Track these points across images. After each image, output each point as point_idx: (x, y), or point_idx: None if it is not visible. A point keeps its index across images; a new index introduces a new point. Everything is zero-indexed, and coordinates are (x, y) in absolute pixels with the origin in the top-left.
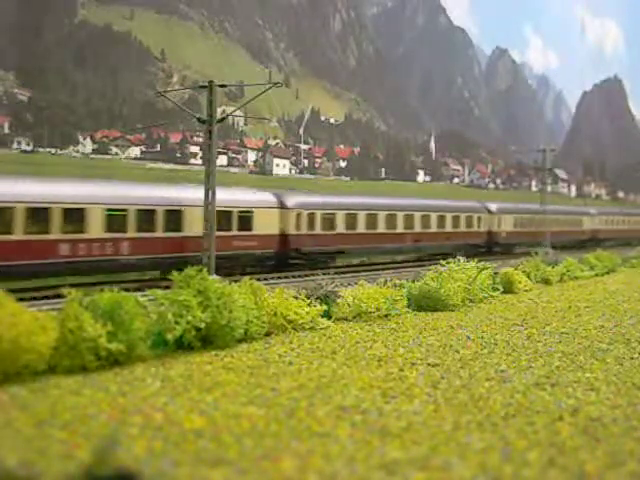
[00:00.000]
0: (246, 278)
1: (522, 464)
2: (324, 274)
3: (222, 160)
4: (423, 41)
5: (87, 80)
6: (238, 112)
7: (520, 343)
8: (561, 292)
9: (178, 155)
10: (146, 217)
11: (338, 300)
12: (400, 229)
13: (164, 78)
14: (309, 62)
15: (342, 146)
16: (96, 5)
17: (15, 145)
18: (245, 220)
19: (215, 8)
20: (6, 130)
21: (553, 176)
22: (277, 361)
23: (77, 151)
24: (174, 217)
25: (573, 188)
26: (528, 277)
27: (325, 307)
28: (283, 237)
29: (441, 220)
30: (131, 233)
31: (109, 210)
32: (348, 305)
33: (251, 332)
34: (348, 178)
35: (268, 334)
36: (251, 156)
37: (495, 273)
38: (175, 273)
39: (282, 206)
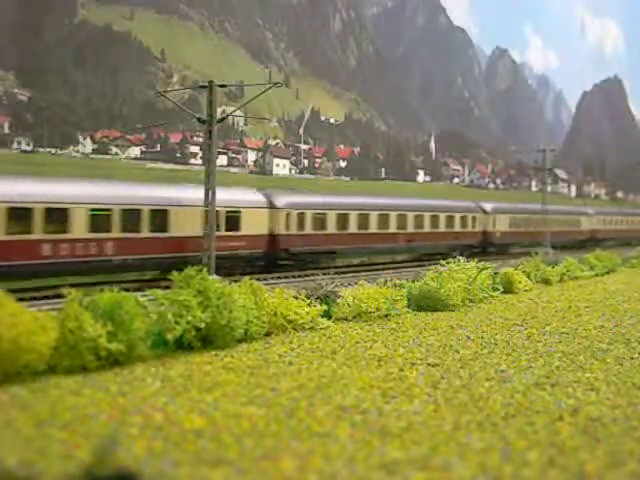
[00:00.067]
0: (246, 278)
1: (522, 464)
2: (324, 274)
3: (222, 160)
4: (423, 41)
5: (87, 80)
6: (238, 112)
7: (520, 343)
8: (561, 292)
9: (178, 155)
10: (131, 217)
11: (338, 300)
12: (393, 229)
13: (164, 78)
14: (309, 62)
15: (342, 146)
16: (96, 5)
17: (15, 145)
18: (233, 220)
19: (215, 8)
20: (6, 130)
21: (553, 176)
22: (277, 361)
23: (77, 151)
24: (160, 217)
25: (573, 188)
26: (528, 277)
27: (325, 307)
28: (272, 237)
29: (434, 220)
30: (116, 233)
31: (93, 210)
32: (348, 305)
33: (251, 332)
34: (348, 178)
35: (268, 334)
36: (251, 156)
37: (495, 273)
38: (175, 273)
39: (271, 206)
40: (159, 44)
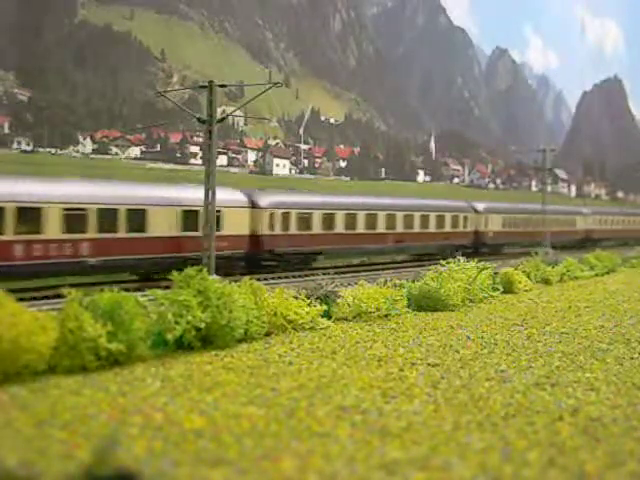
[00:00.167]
0: (246, 278)
1: (522, 464)
2: (324, 274)
3: (222, 160)
4: (423, 41)
5: (87, 80)
6: (238, 112)
7: (520, 343)
8: (561, 292)
9: (178, 155)
10: (108, 217)
11: (338, 300)
12: (381, 229)
13: (164, 78)
14: (309, 62)
15: (342, 146)
16: (96, 5)
17: (15, 145)
18: None
19: (215, 8)
20: (6, 130)
21: (553, 176)
22: (277, 361)
23: (77, 151)
24: (138, 217)
25: (573, 188)
26: (528, 277)
27: (325, 307)
28: (255, 238)
29: (424, 220)
30: (91, 234)
31: (67, 210)
32: (348, 305)
33: (251, 332)
34: (348, 178)
35: (268, 334)
36: (251, 156)
37: (495, 273)
38: (175, 273)
39: (254, 205)
40: (159, 44)
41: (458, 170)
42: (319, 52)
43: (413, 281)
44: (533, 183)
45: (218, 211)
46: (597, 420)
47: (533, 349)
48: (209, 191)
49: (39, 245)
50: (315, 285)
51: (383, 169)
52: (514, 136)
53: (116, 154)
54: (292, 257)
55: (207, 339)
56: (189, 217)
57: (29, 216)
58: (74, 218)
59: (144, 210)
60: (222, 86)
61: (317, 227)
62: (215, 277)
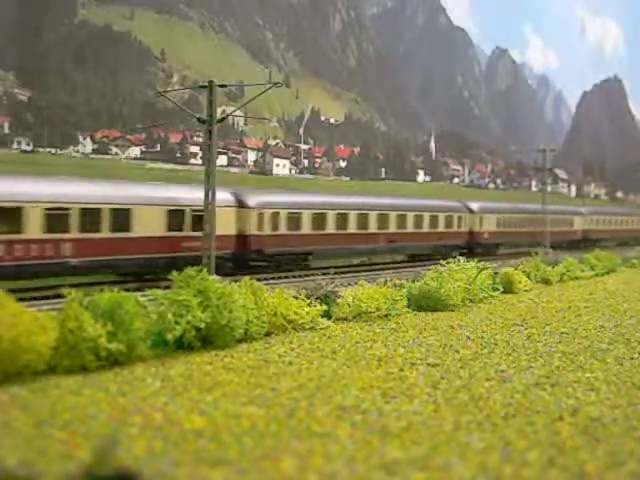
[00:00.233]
0: (246, 278)
1: (522, 464)
2: (324, 274)
3: (222, 160)
4: (423, 41)
5: (87, 80)
6: (238, 112)
7: (520, 343)
8: (561, 292)
9: (178, 155)
10: (91, 216)
11: (338, 300)
12: (373, 229)
13: (164, 78)
14: (309, 62)
15: (342, 146)
16: (96, 5)
17: (15, 145)
18: (199, 220)
19: (215, 8)
20: (6, 130)
21: (553, 176)
22: (277, 361)
23: (77, 151)
24: (122, 217)
25: (573, 188)
26: (528, 277)
27: (325, 307)
28: (242, 238)
29: (418, 220)
30: (74, 234)
31: (49, 209)
32: (348, 305)
33: (251, 332)
34: (348, 178)
35: (268, 334)
36: (251, 156)
37: (495, 273)
38: (175, 273)
39: (241, 205)
40: (159, 44)
41: (458, 170)
42: (319, 52)
43: (413, 281)
44: (533, 183)
45: (203, 211)
46: (597, 420)
47: (533, 349)
48: (209, 191)
49: (20, 245)
50: (315, 285)
51: (383, 169)
52: (514, 136)
53: (116, 154)
54: (281, 258)
55: (207, 339)
56: (175, 217)
57: (10, 216)
58: (56, 218)
59: (129, 210)
60: (222, 86)
61: (307, 227)
62: (215, 277)
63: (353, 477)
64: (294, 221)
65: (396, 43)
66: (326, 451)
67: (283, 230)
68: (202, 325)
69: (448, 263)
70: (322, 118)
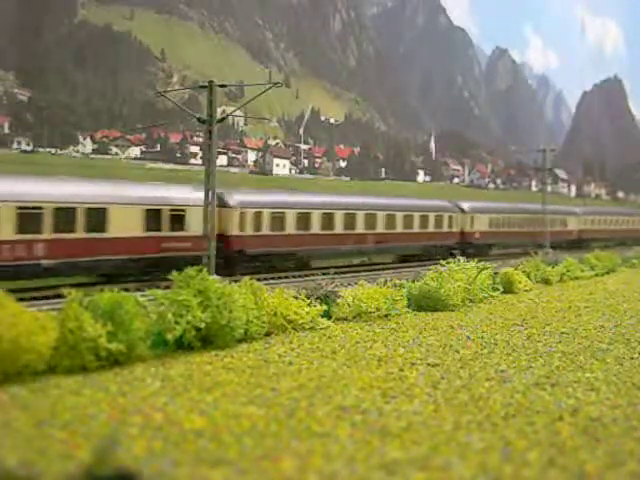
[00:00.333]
0: (246, 278)
1: (522, 464)
2: (324, 274)
3: (222, 160)
4: (423, 41)
5: (87, 80)
6: (238, 112)
7: (520, 343)
8: (561, 292)
9: (178, 155)
10: (65, 216)
11: (338, 300)
12: (360, 229)
13: (164, 78)
14: (309, 62)
15: (342, 146)
16: (96, 5)
17: (15, 145)
18: (176, 220)
19: (215, 8)
20: (6, 130)
21: (553, 176)
22: (277, 361)
23: (77, 151)
24: (98, 216)
25: (573, 188)
26: (528, 277)
27: (325, 307)
28: (223, 238)
29: (407, 220)
30: (47, 234)
31: (21, 209)
32: (348, 305)
33: (251, 332)
34: (348, 178)
35: (268, 334)
36: (251, 156)
37: (495, 273)
38: (175, 273)
39: (222, 204)
40: (159, 44)
41: (458, 170)
42: (319, 52)
43: (413, 281)
44: (533, 183)
45: (182, 210)
46: (597, 420)
47: (533, 349)
48: (209, 191)
49: None
50: (315, 285)
51: (383, 169)
52: (514, 136)
53: (116, 154)
54: (264, 258)
55: (207, 339)
56: (152, 216)
57: None
58: (29, 217)
59: (105, 209)
60: (222, 86)
61: (291, 227)
62: (215, 277)
63: (353, 477)
64: (278, 221)
65: (396, 43)
66: (326, 451)
67: (266, 230)
68: (202, 325)
69: (448, 263)
70: (322, 118)
